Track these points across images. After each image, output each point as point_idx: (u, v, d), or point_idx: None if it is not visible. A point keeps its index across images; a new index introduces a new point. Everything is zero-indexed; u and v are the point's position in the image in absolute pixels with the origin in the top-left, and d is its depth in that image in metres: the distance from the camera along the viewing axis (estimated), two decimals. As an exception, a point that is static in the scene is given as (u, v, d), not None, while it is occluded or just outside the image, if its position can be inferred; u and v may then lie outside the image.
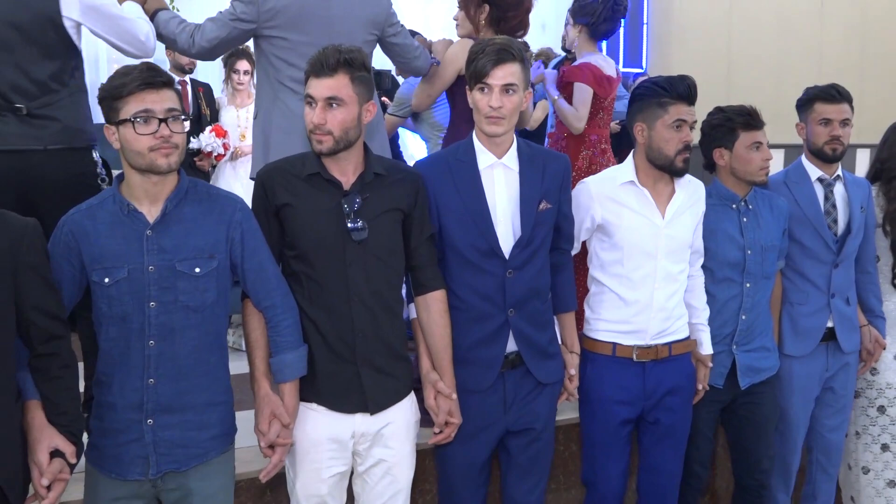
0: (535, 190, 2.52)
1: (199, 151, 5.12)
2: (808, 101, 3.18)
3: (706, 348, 2.92)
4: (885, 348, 3.31)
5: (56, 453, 2.05)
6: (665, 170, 2.70)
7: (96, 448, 2.20)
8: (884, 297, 3.34)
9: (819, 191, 3.18)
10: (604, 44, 4.46)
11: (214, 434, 2.25)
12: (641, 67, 8.74)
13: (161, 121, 2.08)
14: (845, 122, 3.12)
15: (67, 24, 2.75)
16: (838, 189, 3.20)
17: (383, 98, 4.51)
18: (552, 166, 2.58)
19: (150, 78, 2.09)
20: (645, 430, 2.85)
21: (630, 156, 2.80)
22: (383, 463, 2.44)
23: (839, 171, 3.22)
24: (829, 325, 3.18)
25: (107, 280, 2.13)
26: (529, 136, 3.88)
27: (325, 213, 2.34)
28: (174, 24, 3.04)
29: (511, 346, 2.55)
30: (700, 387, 2.90)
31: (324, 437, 2.40)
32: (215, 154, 5.12)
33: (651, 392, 2.78)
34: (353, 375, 2.37)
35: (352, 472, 2.50)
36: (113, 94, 2.09)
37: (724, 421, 3.15)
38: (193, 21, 3.08)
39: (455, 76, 3.33)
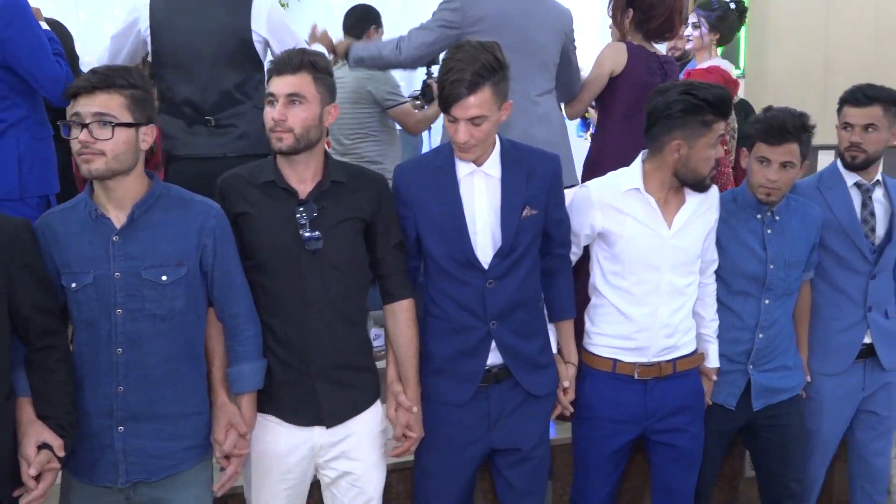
0: (518, 196, 2.30)
1: None
2: (840, 101, 2.87)
3: (712, 361, 2.64)
4: None
5: (44, 447, 1.98)
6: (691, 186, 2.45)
7: (72, 452, 2.08)
8: None
9: (856, 197, 2.84)
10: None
11: (188, 445, 2.13)
12: (739, 68, 8.82)
13: (84, 125, 1.97)
14: (869, 127, 2.78)
15: (255, 38, 2.88)
16: (877, 195, 2.86)
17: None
18: (539, 169, 2.34)
19: (85, 81, 2.00)
20: (655, 451, 2.59)
21: (638, 159, 2.51)
22: (348, 475, 2.29)
23: (879, 176, 2.87)
24: (867, 340, 2.84)
25: (74, 285, 2.03)
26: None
27: (281, 223, 2.19)
28: (373, 46, 3.16)
29: (495, 358, 2.34)
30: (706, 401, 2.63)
31: (281, 449, 2.25)
32: None
33: (653, 411, 2.51)
34: (309, 388, 2.23)
35: (320, 484, 2.38)
36: (67, 95, 2.04)
37: (746, 443, 2.87)
38: None
39: (607, 79, 3.21)
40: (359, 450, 2.30)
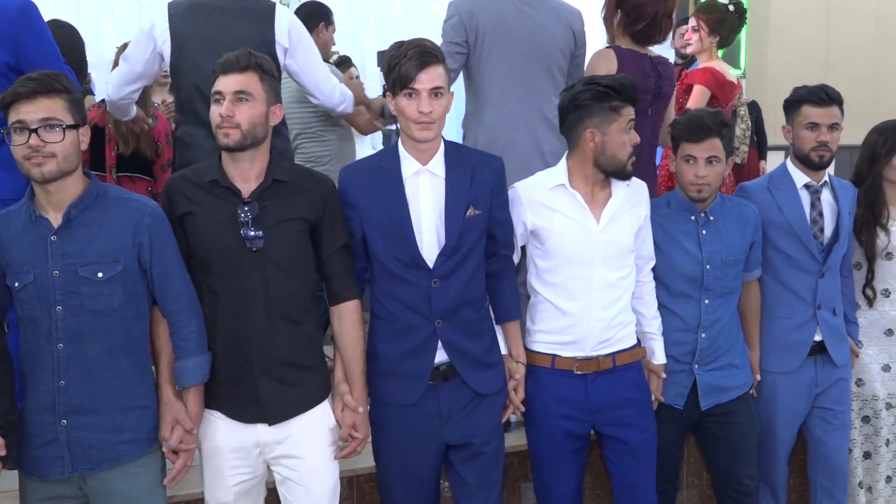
0: (462, 196, 2.31)
1: None
2: (795, 102, 2.86)
3: (658, 358, 2.63)
4: (857, 356, 3.02)
5: None
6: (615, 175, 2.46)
7: (21, 452, 2.14)
8: (870, 305, 3.06)
9: (805, 198, 2.86)
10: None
11: (129, 438, 2.15)
12: (739, 69, 8.84)
13: (32, 131, 2.01)
14: (833, 127, 2.80)
15: (279, 49, 2.92)
16: (825, 196, 2.87)
17: None
18: (482, 170, 2.36)
19: (24, 87, 2.02)
20: (607, 447, 2.58)
21: (563, 157, 2.54)
22: (295, 474, 2.29)
23: (826, 177, 2.89)
24: (817, 338, 2.86)
25: (17, 284, 2.09)
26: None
27: (223, 222, 2.20)
28: None
29: (441, 357, 2.34)
30: (653, 398, 2.64)
31: (227, 445, 2.26)
32: None
33: (597, 406, 2.50)
34: (251, 385, 2.23)
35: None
36: (1, 104, 2.05)
37: (698, 441, 2.87)
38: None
39: None
40: (304, 448, 2.30)
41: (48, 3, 5.40)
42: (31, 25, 2.68)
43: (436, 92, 2.24)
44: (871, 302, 3.05)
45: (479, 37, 2.95)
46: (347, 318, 2.34)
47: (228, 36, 2.86)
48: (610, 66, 3.08)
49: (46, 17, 4.08)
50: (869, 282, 3.04)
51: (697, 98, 3.89)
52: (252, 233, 2.19)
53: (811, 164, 2.84)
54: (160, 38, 2.92)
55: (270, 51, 2.90)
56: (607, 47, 3.16)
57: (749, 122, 4.72)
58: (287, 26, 2.94)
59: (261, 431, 2.27)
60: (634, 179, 2.53)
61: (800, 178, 2.87)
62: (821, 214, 2.87)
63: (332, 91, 3.10)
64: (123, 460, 2.16)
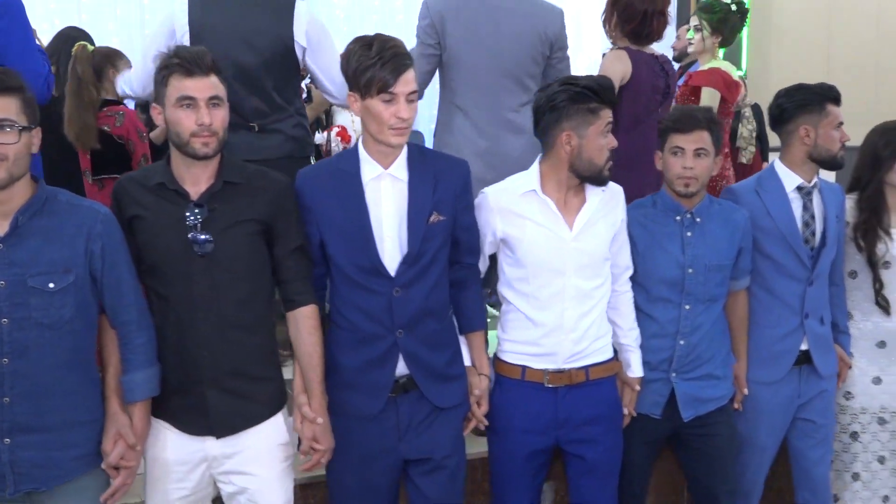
0: (425, 201, 2.20)
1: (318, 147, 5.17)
2: (817, 102, 2.69)
3: (634, 370, 2.50)
4: (850, 367, 2.86)
5: None
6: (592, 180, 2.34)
7: None
8: (864, 315, 2.90)
9: (797, 200, 2.71)
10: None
11: (79, 454, 2.05)
12: (740, 69, 8.84)
13: None
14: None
15: (297, 48, 2.89)
16: (816, 198, 2.73)
17: None
18: (447, 174, 2.25)
19: None
20: (570, 464, 2.47)
21: (535, 161, 2.42)
22: (246, 490, 2.18)
23: (816, 178, 2.73)
24: (803, 347, 2.72)
25: None
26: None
27: (171, 226, 2.10)
28: None
29: (402, 368, 2.24)
30: (626, 412, 2.51)
31: (172, 458, 2.16)
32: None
33: (565, 421, 2.38)
34: (199, 396, 2.13)
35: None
36: None
37: (676, 453, 2.74)
38: None
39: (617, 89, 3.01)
40: (256, 464, 2.18)
41: (49, 3, 5.40)
42: (5, 14, 2.63)
43: (411, 97, 2.14)
44: (887, 310, 2.87)
45: (447, 42, 2.90)
46: (303, 325, 2.21)
47: (246, 28, 2.84)
48: (626, 67, 3.04)
49: (47, 18, 4.12)
50: (878, 291, 2.85)
51: (708, 100, 3.83)
52: (202, 236, 2.09)
53: (835, 166, 2.71)
54: (179, 30, 2.88)
55: (288, 46, 2.87)
56: (619, 48, 3.12)
57: (755, 123, 4.71)
58: (306, 22, 2.90)
59: (209, 445, 2.16)
60: (611, 184, 2.41)
61: (791, 180, 2.72)
62: (813, 217, 2.71)
63: (344, 85, 3.09)
64: (71, 477, 2.05)
